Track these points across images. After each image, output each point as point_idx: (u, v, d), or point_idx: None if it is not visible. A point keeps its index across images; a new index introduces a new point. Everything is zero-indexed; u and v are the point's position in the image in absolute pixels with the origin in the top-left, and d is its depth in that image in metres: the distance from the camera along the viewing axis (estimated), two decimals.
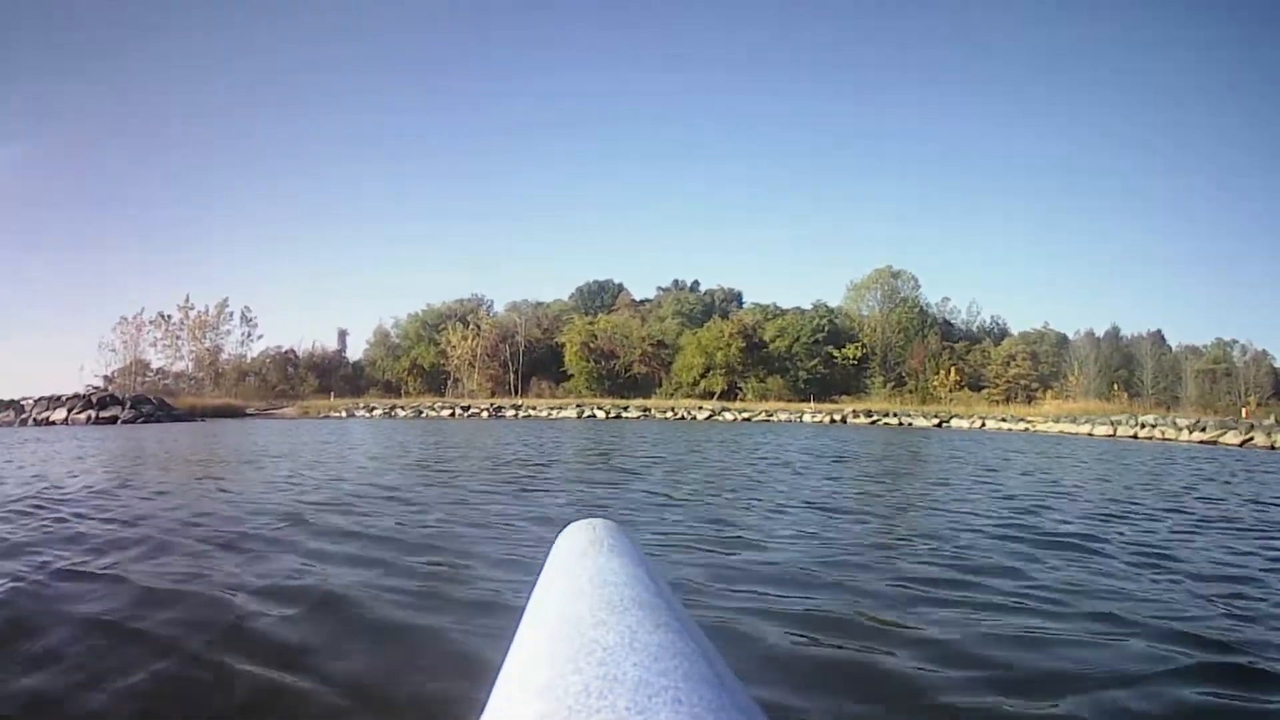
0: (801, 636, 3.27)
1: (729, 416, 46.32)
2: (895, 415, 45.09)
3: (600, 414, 48.75)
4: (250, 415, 47.64)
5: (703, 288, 75.99)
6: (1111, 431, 35.51)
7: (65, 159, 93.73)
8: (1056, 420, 40.27)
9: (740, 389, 59.11)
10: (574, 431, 27.44)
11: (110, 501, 7.23)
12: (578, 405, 51.67)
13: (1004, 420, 42.46)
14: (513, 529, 5.88)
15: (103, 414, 34.46)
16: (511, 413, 50.64)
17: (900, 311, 65.36)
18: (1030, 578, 4.50)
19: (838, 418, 44.99)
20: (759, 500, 7.99)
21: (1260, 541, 6.13)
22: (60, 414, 34.67)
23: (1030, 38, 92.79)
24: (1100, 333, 66.69)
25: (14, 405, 36.77)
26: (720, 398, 56.46)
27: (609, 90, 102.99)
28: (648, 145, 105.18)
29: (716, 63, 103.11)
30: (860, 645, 3.20)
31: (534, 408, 52.20)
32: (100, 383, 55.35)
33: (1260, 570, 4.96)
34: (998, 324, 73.38)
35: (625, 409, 50.27)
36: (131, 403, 36.30)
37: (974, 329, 71.92)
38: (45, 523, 5.89)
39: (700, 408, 49.12)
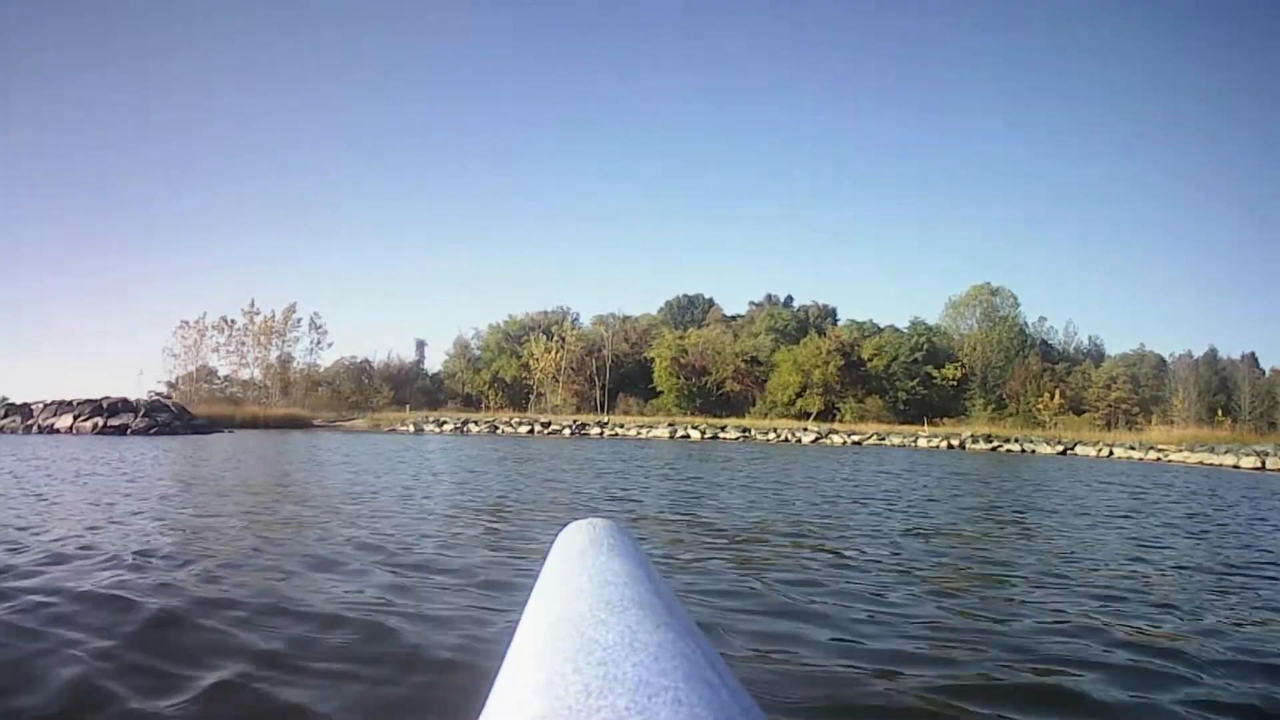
0: None
1: (837, 439, 44.49)
2: (1017, 441, 43.07)
3: (695, 434, 46.82)
4: (317, 427, 46.42)
5: (796, 303, 74.69)
6: (1259, 464, 33.35)
7: (130, 158, 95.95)
8: (1191, 449, 38.19)
9: (839, 409, 57.55)
10: (673, 456, 24.74)
11: None
12: (670, 424, 49.58)
13: (1133, 449, 40.30)
14: None
15: (111, 422, 31.57)
16: (597, 430, 48.45)
17: (1000, 330, 63.33)
18: None
19: (955, 443, 43.07)
20: None
21: None
22: (65, 421, 31.99)
23: (1124, 55, 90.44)
24: (1197, 354, 64.72)
25: (22, 410, 34.02)
26: (816, 418, 54.99)
27: (701, 103, 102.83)
28: (739, 158, 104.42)
29: (810, 76, 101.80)
30: None
31: (621, 425, 50.00)
32: (164, 389, 54.74)
33: None
34: (1095, 345, 71.35)
35: (723, 429, 48.46)
36: (145, 411, 33.25)
37: (1070, 350, 69.91)
38: None
39: (805, 429, 47.36)
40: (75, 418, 31.90)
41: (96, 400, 33.11)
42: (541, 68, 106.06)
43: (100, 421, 31.54)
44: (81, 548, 5.35)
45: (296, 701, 2.72)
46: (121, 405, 33.24)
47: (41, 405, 33.90)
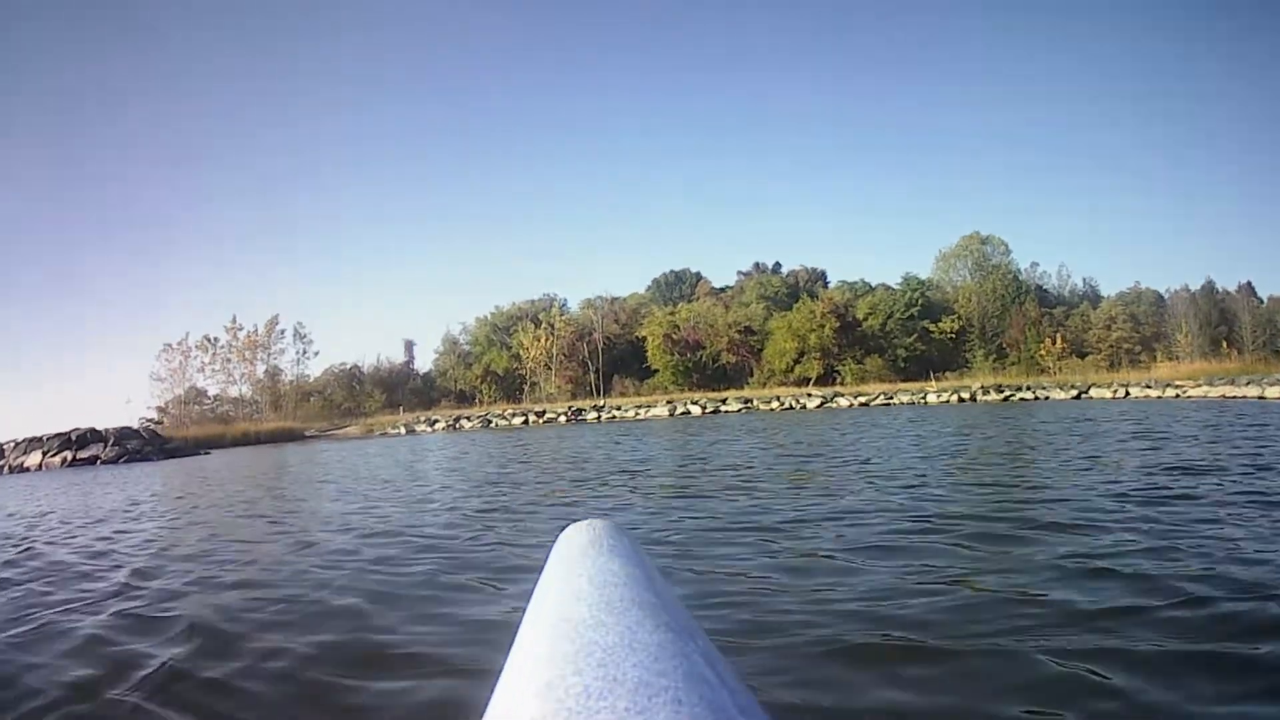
0: None
1: (843, 402, 43.12)
2: (1029, 389, 41.82)
3: (695, 409, 44.96)
4: (310, 438, 45.23)
5: (785, 269, 73.16)
6: None
7: (92, 182, 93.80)
8: (1210, 383, 37.03)
9: (838, 372, 56.28)
10: (676, 436, 23.19)
11: None
12: (669, 402, 47.94)
13: (1149, 387, 39.13)
14: None
15: (80, 455, 29.94)
16: (593, 415, 46.79)
17: (994, 279, 62.18)
18: None
19: (965, 395, 41.82)
20: None
21: None
22: (35, 458, 30.04)
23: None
24: (1194, 288, 63.86)
25: None
26: (816, 383, 53.76)
27: (670, 76, 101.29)
28: (714, 129, 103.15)
29: (780, 39, 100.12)
30: None
31: (619, 408, 48.23)
32: (154, 415, 54.09)
33: None
34: (1090, 287, 70.53)
35: (724, 402, 46.68)
36: (115, 439, 31.48)
37: (1066, 294, 69.04)
38: None
39: (809, 395, 45.92)
40: (44, 454, 30.25)
41: (66, 433, 31.45)
42: (510, 55, 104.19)
43: (69, 455, 29.94)
44: None
45: (293, 704, 2.67)
46: (90, 436, 31.55)
47: (13, 444, 31.93)
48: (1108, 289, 68.57)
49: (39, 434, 32.13)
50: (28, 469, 29.50)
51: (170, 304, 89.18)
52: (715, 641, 0.50)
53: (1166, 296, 63.97)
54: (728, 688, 0.43)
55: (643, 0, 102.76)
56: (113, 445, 30.91)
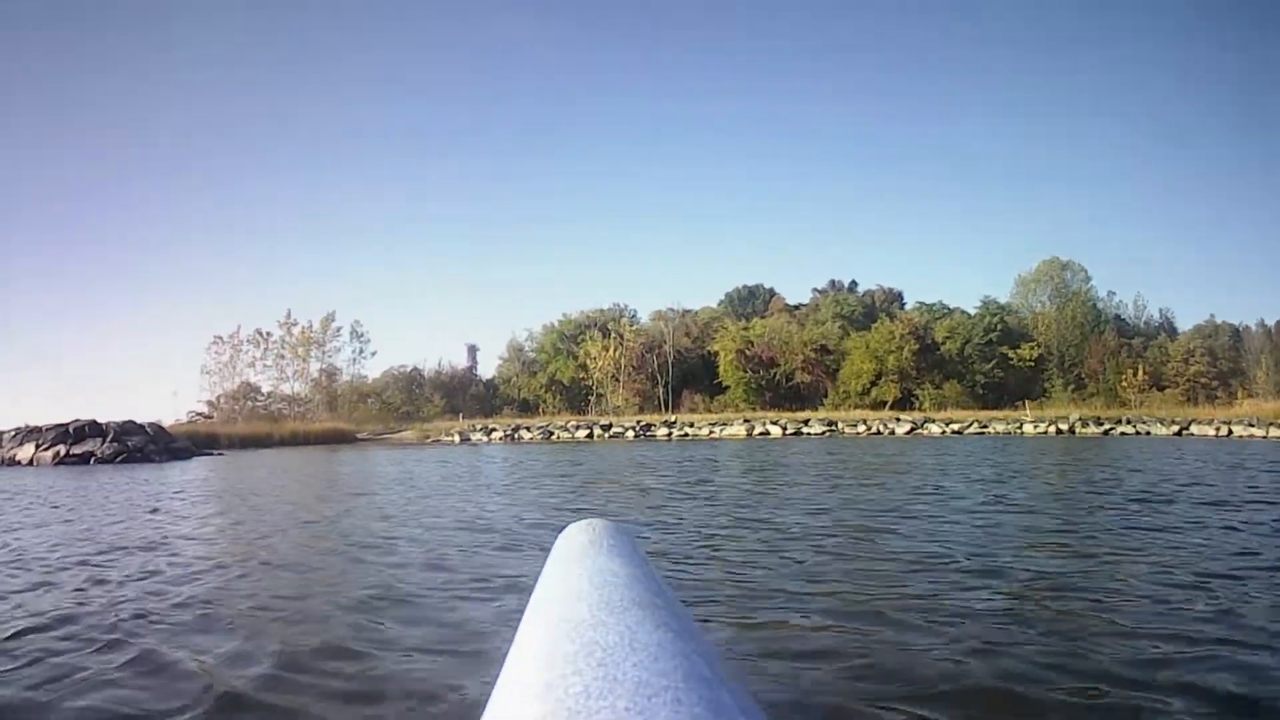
0: None
1: (934, 429, 42.54)
2: (1129, 423, 41.03)
3: (775, 430, 44.20)
4: (362, 441, 44.48)
5: (861, 288, 72.14)
6: None
7: (158, 171, 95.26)
8: None
9: (916, 397, 55.52)
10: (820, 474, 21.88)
11: None
12: (745, 421, 46.63)
13: (1251, 425, 38.25)
14: None
15: (75, 450, 27.02)
16: (664, 431, 45.59)
17: (1073, 307, 61.08)
18: None
19: (1064, 427, 41.08)
20: None
21: None
22: (28, 451, 27.36)
23: (1186, 18, 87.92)
24: (1269, 323, 62.43)
25: None
26: (892, 407, 53.07)
27: (750, 92, 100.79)
28: (792, 144, 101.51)
29: (859, 58, 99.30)
30: None
31: (691, 425, 47.02)
32: (204, 409, 54.14)
33: None
34: (1167, 318, 69.12)
35: (805, 423, 45.78)
36: (115, 435, 28.18)
37: (1142, 324, 67.71)
38: None
39: (897, 420, 45.12)
40: (38, 446, 27.55)
41: (65, 425, 28.46)
42: (590, 64, 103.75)
43: (64, 449, 27.20)
44: None
45: (294, 707, 2.70)
46: (90, 429, 28.49)
47: (13, 432, 29.04)
48: (1183, 322, 67.28)
49: (38, 425, 28.86)
50: (19, 462, 27.05)
51: (226, 296, 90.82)
52: (715, 641, 0.45)
53: (1243, 331, 62.77)
54: (728, 688, 0.43)
55: (735, 15, 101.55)
56: (111, 441, 27.88)
